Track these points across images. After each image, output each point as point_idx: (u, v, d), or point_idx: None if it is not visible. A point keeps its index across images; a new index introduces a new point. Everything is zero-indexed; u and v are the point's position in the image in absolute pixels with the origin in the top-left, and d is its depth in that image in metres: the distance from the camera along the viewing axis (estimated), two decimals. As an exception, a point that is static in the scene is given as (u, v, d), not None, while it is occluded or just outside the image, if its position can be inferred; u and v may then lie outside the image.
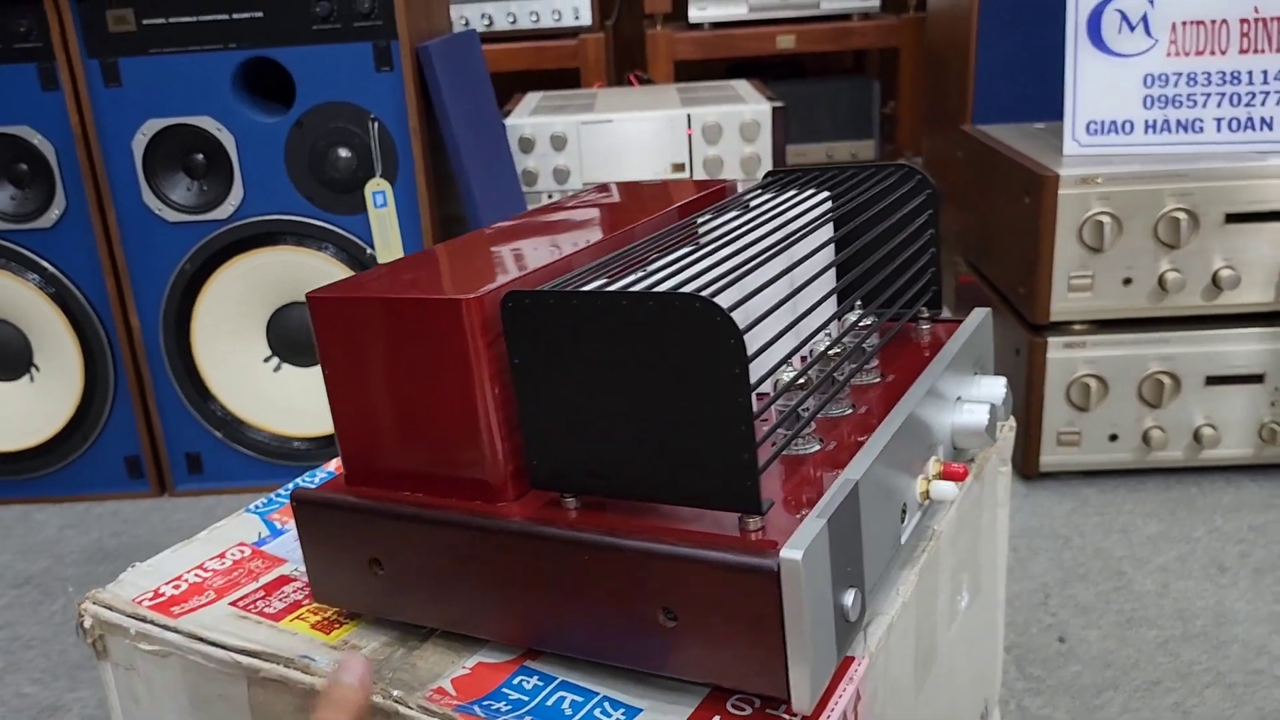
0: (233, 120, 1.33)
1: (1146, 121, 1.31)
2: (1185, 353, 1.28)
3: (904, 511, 0.53)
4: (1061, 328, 1.30)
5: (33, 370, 1.45)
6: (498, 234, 0.62)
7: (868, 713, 0.49)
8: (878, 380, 0.61)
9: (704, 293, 0.43)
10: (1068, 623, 1.09)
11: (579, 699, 0.49)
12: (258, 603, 0.58)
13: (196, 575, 0.62)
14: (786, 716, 0.46)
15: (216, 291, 1.39)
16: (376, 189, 1.35)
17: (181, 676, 0.56)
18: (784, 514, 0.46)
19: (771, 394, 0.51)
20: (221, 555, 0.64)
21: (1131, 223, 1.24)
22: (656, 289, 0.46)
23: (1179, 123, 1.30)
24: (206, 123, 1.33)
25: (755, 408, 0.46)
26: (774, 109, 1.85)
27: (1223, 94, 1.28)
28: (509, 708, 0.48)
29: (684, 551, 0.44)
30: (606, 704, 0.48)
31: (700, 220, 0.63)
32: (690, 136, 1.86)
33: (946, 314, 0.68)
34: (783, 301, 0.51)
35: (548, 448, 0.48)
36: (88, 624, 0.59)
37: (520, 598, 0.49)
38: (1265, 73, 1.27)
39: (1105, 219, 1.23)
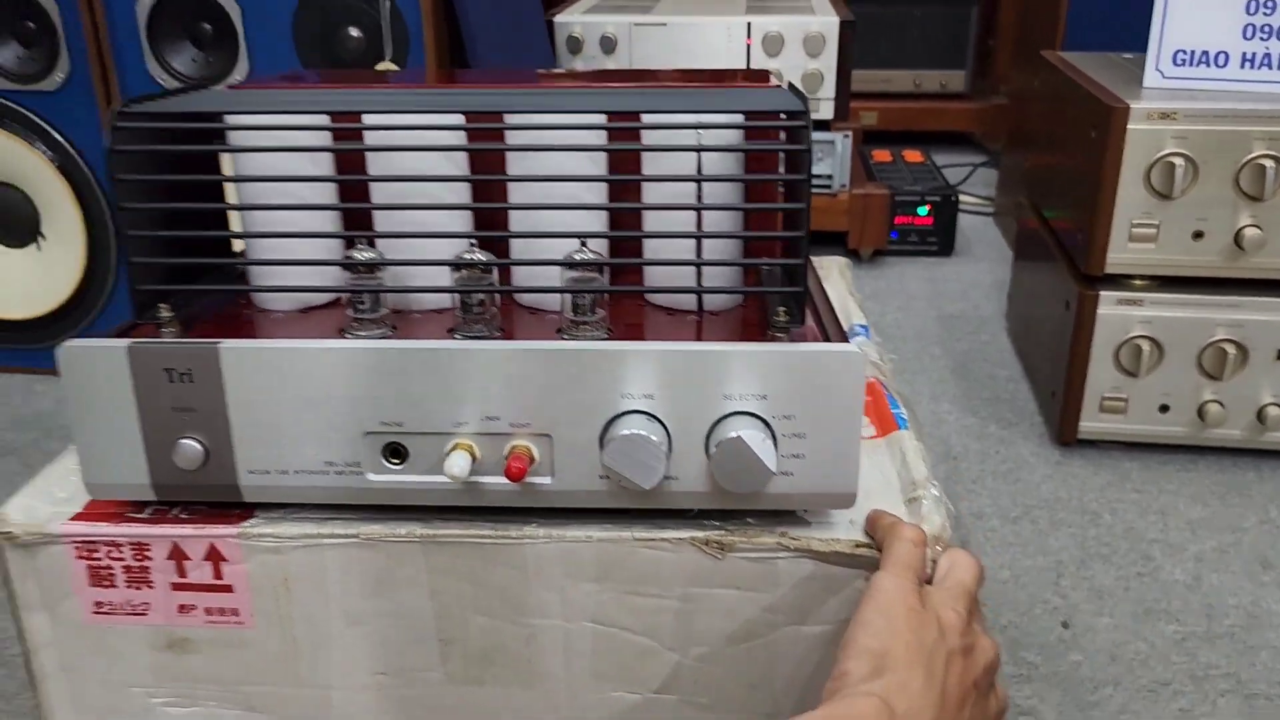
0: (240, -12, 1.25)
1: (1245, 54, 1.14)
2: (1258, 320, 1.13)
3: (395, 453, 0.53)
4: (1118, 281, 1.16)
5: (40, 239, 1.42)
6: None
7: (257, 590, 0.57)
8: (565, 331, 0.57)
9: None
10: (1078, 607, 0.98)
11: None
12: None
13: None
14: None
15: (219, 171, 1.33)
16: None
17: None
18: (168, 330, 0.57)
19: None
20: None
21: (1210, 168, 1.09)
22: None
23: (1283, 58, 1.13)
24: (212, -11, 1.25)
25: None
26: (842, 23, 1.70)
27: (1338, 27, 1.11)
28: None
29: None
30: None
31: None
32: (749, 46, 1.72)
33: (815, 339, 0.55)
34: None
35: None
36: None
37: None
38: (1392, 5, 1.09)
39: (1178, 160, 1.08)
